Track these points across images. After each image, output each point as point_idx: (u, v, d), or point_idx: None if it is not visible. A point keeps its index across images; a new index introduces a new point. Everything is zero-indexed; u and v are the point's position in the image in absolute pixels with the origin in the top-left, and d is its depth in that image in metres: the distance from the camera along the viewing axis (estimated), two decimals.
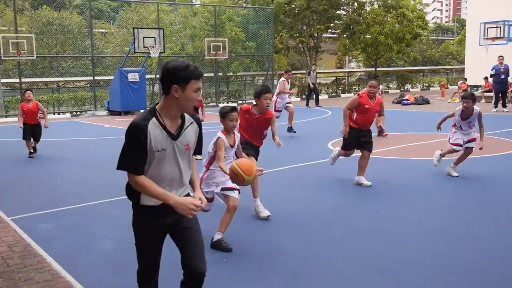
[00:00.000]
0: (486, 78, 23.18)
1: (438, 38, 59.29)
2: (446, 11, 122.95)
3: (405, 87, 35.37)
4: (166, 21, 28.57)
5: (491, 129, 13.12)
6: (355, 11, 34.48)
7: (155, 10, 26.52)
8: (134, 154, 2.91)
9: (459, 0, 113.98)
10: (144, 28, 23.39)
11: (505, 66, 19.10)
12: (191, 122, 3.10)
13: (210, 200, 5.18)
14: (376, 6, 34.89)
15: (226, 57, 25.64)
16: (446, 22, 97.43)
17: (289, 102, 13.82)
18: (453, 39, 55.09)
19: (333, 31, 36.10)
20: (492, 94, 20.11)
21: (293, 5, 32.54)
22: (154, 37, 21.75)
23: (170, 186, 3.06)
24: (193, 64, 2.98)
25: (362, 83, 35.96)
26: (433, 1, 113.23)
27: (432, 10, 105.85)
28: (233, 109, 5.30)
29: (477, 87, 25.07)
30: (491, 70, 19.57)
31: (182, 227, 3.12)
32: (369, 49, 33.96)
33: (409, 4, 36.11)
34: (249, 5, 32.75)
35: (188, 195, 3.17)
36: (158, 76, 25.51)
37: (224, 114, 5.26)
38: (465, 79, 26.37)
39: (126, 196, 3.12)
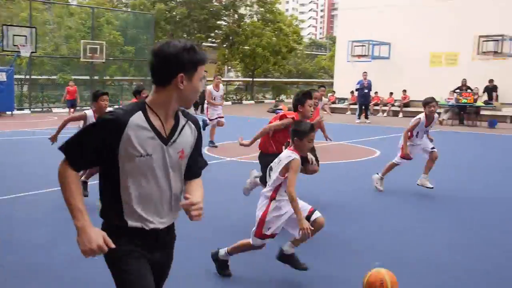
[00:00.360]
0: (352, 92, 25.07)
1: (312, 53, 62.66)
2: (321, 28, 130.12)
3: (280, 98, 37.02)
4: (39, 19, 27.20)
5: (355, 137, 14.33)
6: (235, 23, 35.42)
7: (27, 7, 25.18)
8: (86, 146, 2.19)
9: (332, 18, 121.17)
10: (15, 26, 22.11)
11: (368, 82, 20.85)
12: (186, 122, 2.35)
13: (273, 236, 4.21)
14: (255, 19, 36.14)
15: (103, 61, 25.03)
16: (320, 38, 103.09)
17: (222, 116, 12.49)
18: (325, 55, 58.55)
19: (213, 40, 36.74)
20: (356, 106, 21.81)
21: (174, 13, 32.63)
22: (26, 36, 20.69)
23: (154, 211, 2.30)
24: (195, 43, 2.34)
25: (239, 92, 36.94)
26: (309, 18, 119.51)
27: (308, 27, 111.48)
28: (313, 128, 4.25)
29: (344, 99, 26.97)
30: (356, 84, 21.26)
31: (162, 265, 2.46)
32: (247, 59, 35.08)
33: (286, 19, 37.90)
34: (129, 10, 32.26)
35: (173, 225, 2.44)
36: (28, 76, 24.26)
37: (303, 134, 4.16)
38: (334, 92, 28.27)
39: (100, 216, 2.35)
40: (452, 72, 23.52)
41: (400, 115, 24.19)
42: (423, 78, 24.12)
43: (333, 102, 27.23)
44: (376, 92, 24.41)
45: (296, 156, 4.09)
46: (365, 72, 21.33)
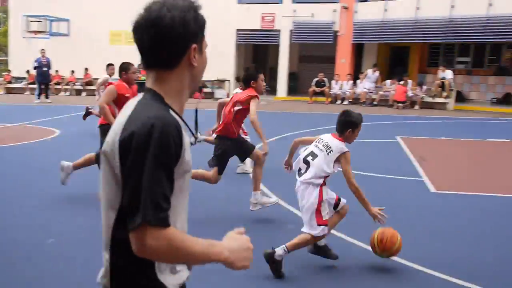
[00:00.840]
0: (28, 71, 23.57)
1: None
2: None
3: None
4: None
5: (35, 118, 13.61)
6: None
7: None
8: (167, 184, 1.45)
9: None
10: None
11: (47, 59, 19.88)
12: None
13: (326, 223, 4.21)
14: None
15: None
16: None
17: None
18: None
19: None
20: (35, 86, 20.61)
21: None
22: None
23: None
24: None
25: None
26: None
27: None
28: (362, 118, 4.24)
29: (21, 79, 25.13)
30: (34, 62, 20.04)
31: None
32: None
33: None
34: None
35: None
36: None
37: (357, 125, 4.15)
38: (9, 70, 26.08)
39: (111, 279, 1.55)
40: (131, 50, 24.12)
41: (84, 93, 23.88)
42: (104, 56, 24.24)
43: (9, 82, 25.18)
44: (57, 71, 23.50)
45: (347, 148, 4.10)
46: (43, 49, 20.25)
